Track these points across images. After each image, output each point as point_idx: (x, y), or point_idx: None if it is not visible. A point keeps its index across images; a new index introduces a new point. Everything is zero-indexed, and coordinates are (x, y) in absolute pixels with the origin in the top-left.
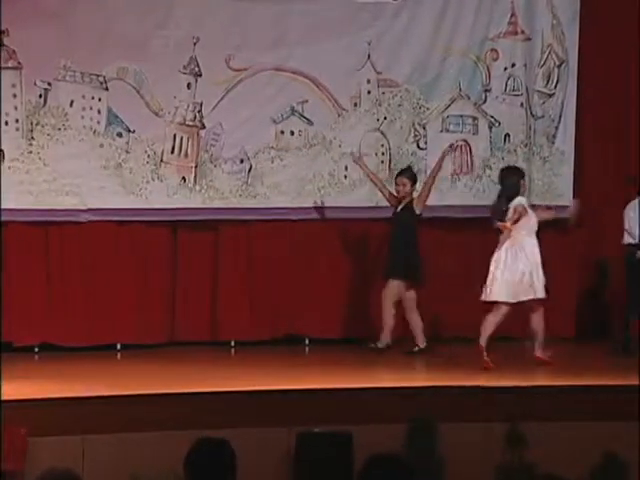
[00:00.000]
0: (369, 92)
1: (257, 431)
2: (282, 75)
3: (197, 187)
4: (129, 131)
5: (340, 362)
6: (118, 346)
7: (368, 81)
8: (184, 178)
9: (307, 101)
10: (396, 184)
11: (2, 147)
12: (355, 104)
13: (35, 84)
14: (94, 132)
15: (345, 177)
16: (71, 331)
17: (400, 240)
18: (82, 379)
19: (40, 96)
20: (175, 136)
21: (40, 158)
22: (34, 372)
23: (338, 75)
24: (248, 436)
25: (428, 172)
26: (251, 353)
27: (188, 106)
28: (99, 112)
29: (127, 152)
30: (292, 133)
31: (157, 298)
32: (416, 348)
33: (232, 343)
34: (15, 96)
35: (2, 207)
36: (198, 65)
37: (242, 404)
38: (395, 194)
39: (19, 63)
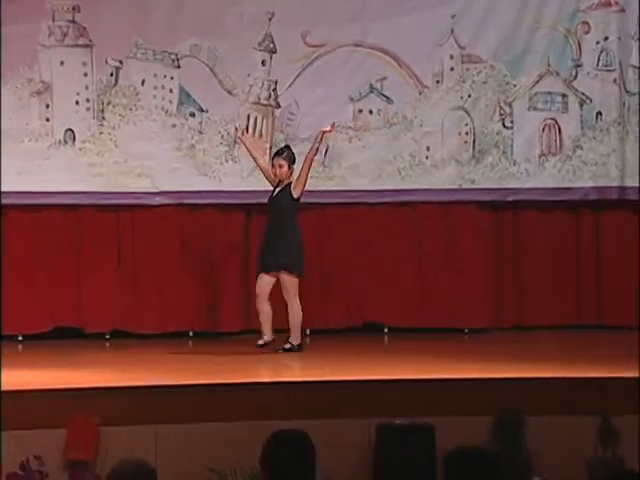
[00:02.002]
0: (452, 68)
1: (336, 423)
2: (360, 51)
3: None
4: (202, 111)
5: (421, 351)
6: (190, 333)
7: (451, 57)
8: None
9: (387, 78)
10: (272, 165)
11: (73, 128)
12: (437, 81)
13: (106, 62)
14: (166, 112)
15: (427, 158)
16: (143, 318)
17: (276, 227)
18: (154, 367)
19: (111, 75)
20: (249, 116)
21: (111, 139)
22: (105, 359)
23: (419, 51)
24: (327, 428)
25: (514, 153)
26: (327, 342)
27: (263, 84)
28: (171, 91)
29: (200, 132)
30: (371, 112)
31: (230, 285)
32: (287, 345)
33: (307, 332)
34: (86, 75)
35: (73, 190)
36: (273, 41)
37: (320, 395)
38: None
39: (90, 41)
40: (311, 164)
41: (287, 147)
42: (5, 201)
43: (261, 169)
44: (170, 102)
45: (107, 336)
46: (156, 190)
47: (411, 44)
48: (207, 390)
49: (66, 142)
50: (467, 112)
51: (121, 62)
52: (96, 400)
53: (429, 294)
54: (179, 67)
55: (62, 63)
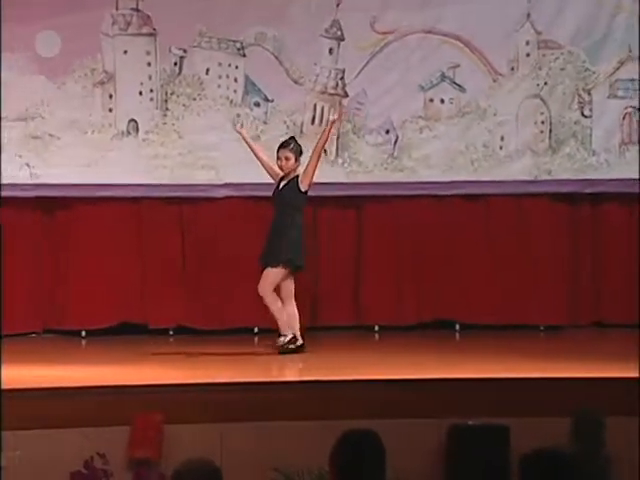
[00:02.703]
0: (528, 55)
1: (406, 423)
2: (431, 38)
3: (339, 160)
4: (267, 100)
5: (494, 349)
6: (255, 329)
7: (527, 42)
8: (325, 151)
9: (459, 66)
10: (278, 158)
11: (136, 118)
12: (512, 68)
13: (170, 51)
14: (231, 102)
15: (501, 148)
16: (207, 314)
17: (281, 222)
18: (219, 364)
19: (175, 64)
20: (316, 105)
21: (175, 130)
22: (169, 355)
23: (494, 37)
24: (396, 428)
25: (593, 143)
26: (397, 339)
27: (330, 73)
28: (236, 80)
29: (265, 123)
30: (442, 101)
31: (297, 280)
32: (282, 339)
33: (376, 328)
34: (149, 64)
35: (136, 182)
36: (341, 29)
37: (391, 394)
38: (278, 170)
39: (154, 29)
40: (320, 156)
41: (293, 139)
42: (70, 193)
43: (262, 163)
44: (235, 92)
45: (171, 332)
46: (220, 182)
47: (485, 30)
48: (274, 388)
49: (129, 133)
50: (543, 100)
51: (185, 51)
52: (160, 397)
53: (503, 290)
54: (244, 56)
55: (125, 52)
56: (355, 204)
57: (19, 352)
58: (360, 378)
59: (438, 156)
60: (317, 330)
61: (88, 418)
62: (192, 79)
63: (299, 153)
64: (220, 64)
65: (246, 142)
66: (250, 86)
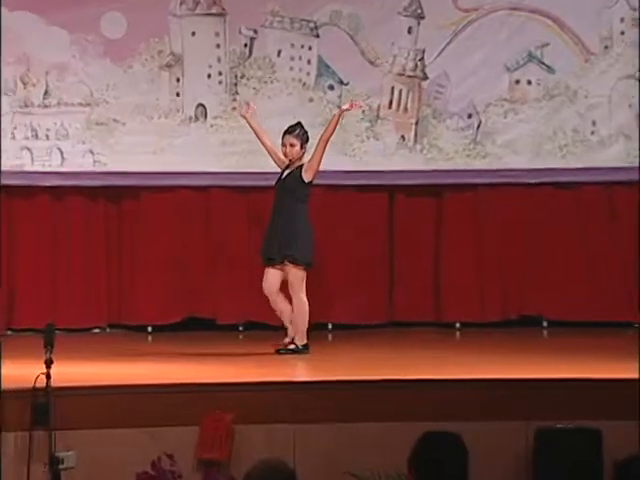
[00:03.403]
0: (623, 32)
1: (490, 425)
2: (518, 15)
3: (418, 146)
4: (342, 83)
5: (586, 347)
6: (329, 326)
7: (622, 20)
8: (403, 136)
9: (548, 45)
10: (282, 144)
11: (204, 103)
12: (606, 47)
13: (240, 32)
14: (303, 85)
15: (592, 133)
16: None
17: (283, 214)
18: (292, 361)
19: (245, 45)
20: (393, 88)
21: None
22: (239, 352)
23: (585, 13)
24: (480, 431)
25: None
26: (479, 336)
27: (409, 54)
28: (309, 62)
29: (339, 107)
30: (529, 82)
31: (373, 272)
32: (290, 344)
33: (457, 325)
34: (218, 46)
35: (204, 170)
36: (420, 6)
37: (473, 394)
38: (283, 157)
39: (223, 9)
40: (326, 145)
41: (299, 124)
42: (136, 182)
43: (267, 150)
44: (308, 74)
45: (240, 327)
46: None
47: (576, 6)
48: (351, 387)
49: (197, 118)
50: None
51: (256, 32)
52: (230, 396)
53: (594, 285)
54: (318, 36)
55: (193, 34)
56: (434, 193)
57: (82, 348)
58: (440, 378)
59: (524, 142)
60: (394, 326)
61: (155, 417)
62: (263, 61)
63: (305, 140)
64: (292, 45)
65: (251, 127)
66: (324, 68)
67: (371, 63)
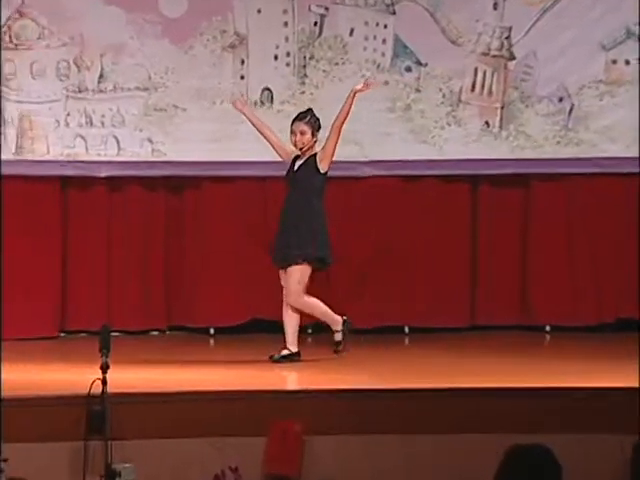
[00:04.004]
0: None
1: (583, 438)
2: None
3: (504, 133)
4: (420, 64)
5: None
6: (406, 329)
7: None
8: (487, 122)
9: None
10: (292, 132)
11: (270, 87)
12: None
13: (309, 9)
14: (378, 67)
15: None
16: (349, 310)
17: (297, 210)
18: (365, 367)
19: (315, 24)
20: (477, 70)
21: (314, 99)
22: (308, 357)
23: None
24: (573, 444)
25: None
26: (571, 340)
27: (494, 32)
28: (384, 42)
29: (417, 91)
30: (627, 62)
31: (453, 271)
32: (285, 352)
33: (547, 328)
34: (286, 25)
35: (270, 159)
36: None
37: (562, 404)
38: (293, 147)
39: None
40: (340, 131)
41: (310, 111)
42: (197, 172)
43: (272, 144)
44: (383, 55)
45: (309, 330)
46: (365, 159)
47: None
48: (427, 395)
49: (263, 103)
50: None
51: (327, 9)
52: (299, 404)
53: None
54: (394, 13)
55: (259, 11)
56: (521, 184)
57: (139, 352)
58: (528, 386)
59: (621, 127)
60: (475, 330)
61: (218, 427)
62: (334, 41)
63: (317, 127)
64: (366, 23)
65: (248, 119)
66: (400, 48)
67: (453, 42)
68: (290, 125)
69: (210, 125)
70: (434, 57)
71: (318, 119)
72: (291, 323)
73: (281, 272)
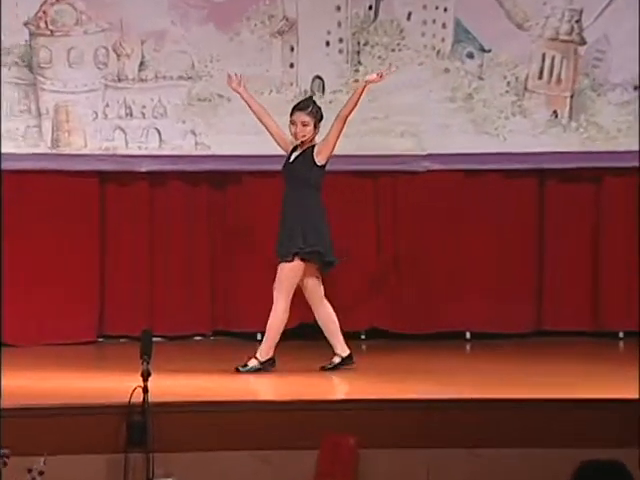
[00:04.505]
0: None
1: None
2: None
3: (573, 124)
4: (483, 50)
5: None
6: (467, 335)
7: None
8: (555, 112)
9: None
10: (292, 122)
11: (322, 75)
12: None
13: None
14: (437, 53)
15: None
16: (404, 314)
17: (293, 204)
18: (424, 375)
19: (370, 8)
20: (544, 56)
21: (368, 88)
22: (363, 364)
23: None
24: None
25: None
26: None
27: (563, 15)
28: (444, 26)
29: (480, 79)
30: None
31: (518, 273)
32: (337, 359)
33: (620, 334)
34: (339, 9)
35: None
36: None
37: (633, 415)
38: (292, 138)
39: None
40: (345, 123)
41: (311, 99)
42: (243, 167)
43: (270, 131)
44: (443, 40)
45: (362, 336)
46: (423, 152)
47: None
48: (496, 407)
49: (313, 93)
50: None
51: None
52: (354, 415)
53: None
54: None
55: None
56: (593, 179)
57: (183, 358)
58: (602, 397)
59: None
60: (543, 335)
61: (267, 439)
62: (390, 26)
63: (319, 118)
64: (425, 7)
65: (247, 103)
66: (462, 33)
67: (518, 26)
68: (290, 114)
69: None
70: (498, 42)
71: (320, 109)
72: (329, 328)
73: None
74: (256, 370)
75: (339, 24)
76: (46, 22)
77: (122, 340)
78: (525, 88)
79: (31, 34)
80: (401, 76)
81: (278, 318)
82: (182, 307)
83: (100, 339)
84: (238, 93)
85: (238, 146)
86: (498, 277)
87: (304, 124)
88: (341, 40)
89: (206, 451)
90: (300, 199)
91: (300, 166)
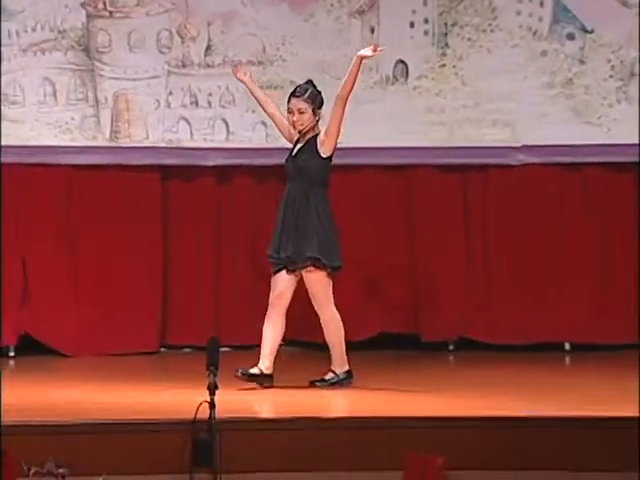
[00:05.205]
0: None
1: None
2: None
3: None
4: (585, 31)
5: None
6: (567, 346)
7: None
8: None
9: None
10: (288, 111)
11: (405, 59)
12: None
13: None
14: (534, 34)
15: None
16: (496, 322)
17: (296, 202)
18: (516, 390)
19: None
20: None
21: (456, 74)
22: (450, 378)
23: None
24: None
25: None
26: None
27: None
28: (542, 4)
29: (581, 62)
30: None
31: (621, 278)
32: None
33: None
34: None
35: (403, 144)
36: None
37: None
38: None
39: None
40: (344, 107)
41: (309, 83)
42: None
43: (275, 122)
44: (540, 20)
45: (451, 346)
46: (518, 144)
47: None
48: (600, 425)
49: (396, 79)
50: None
51: None
52: (441, 434)
53: None
54: None
55: None
56: None
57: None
58: None
59: None
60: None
61: (346, 459)
62: (481, 4)
63: (319, 104)
64: None
65: (250, 91)
66: (561, 12)
67: (623, 4)
68: (286, 102)
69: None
70: (601, 22)
71: (320, 93)
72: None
73: (275, 277)
74: (333, 384)
75: (425, 3)
76: (105, 3)
77: (186, 350)
78: (631, 72)
79: (88, 16)
80: (493, 60)
81: (330, 330)
82: (252, 313)
83: (162, 349)
84: (242, 81)
85: None
86: (600, 283)
87: (301, 111)
88: (427, 20)
89: (277, 471)
90: (305, 197)
91: (303, 160)
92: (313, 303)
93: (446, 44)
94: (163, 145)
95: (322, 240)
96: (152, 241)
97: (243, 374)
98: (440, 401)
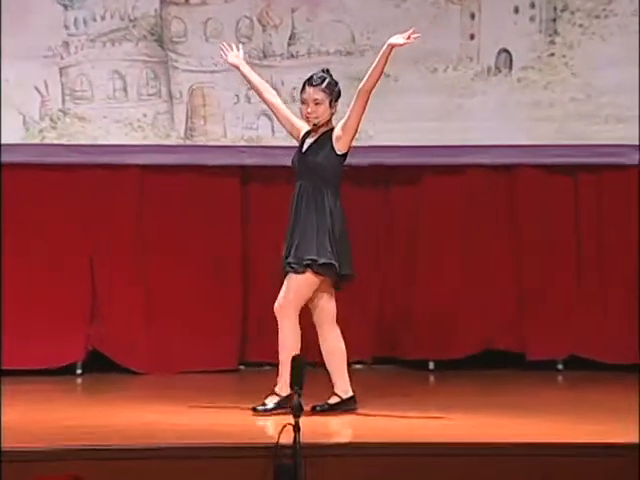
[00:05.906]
0: None
1: None
2: None
3: None
4: None
5: None
6: None
7: None
8: None
9: None
10: (302, 101)
11: (509, 48)
12: None
13: None
14: None
15: None
16: (610, 339)
17: (304, 205)
18: (631, 414)
19: None
20: None
21: (566, 64)
22: (560, 400)
23: None
24: None
25: None
26: None
27: None
28: None
29: None
30: None
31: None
32: (334, 399)
33: None
34: None
35: (507, 143)
36: None
37: None
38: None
39: None
40: (369, 98)
41: (326, 72)
42: (412, 160)
43: (276, 113)
44: None
45: (559, 366)
46: (635, 142)
47: None
48: None
49: (499, 70)
50: None
51: None
52: (547, 462)
53: None
54: None
55: None
56: None
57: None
58: None
59: None
60: None
61: None
62: None
63: (336, 96)
64: None
65: (245, 78)
66: None
67: None
68: (300, 92)
69: (430, 99)
70: None
71: (337, 84)
72: (334, 361)
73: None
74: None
75: None
76: None
77: (265, 367)
78: None
79: (162, 3)
80: (607, 49)
81: (284, 341)
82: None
83: (241, 367)
84: (234, 66)
85: (408, 135)
86: None
87: (316, 102)
88: (533, 5)
89: None
90: (315, 198)
91: (315, 157)
92: (280, 304)
93: (555, 31)
94: (243, 144)
95: (333, 244)
96: (230, 250)
97: (322, 410)
98: (547, 426)
